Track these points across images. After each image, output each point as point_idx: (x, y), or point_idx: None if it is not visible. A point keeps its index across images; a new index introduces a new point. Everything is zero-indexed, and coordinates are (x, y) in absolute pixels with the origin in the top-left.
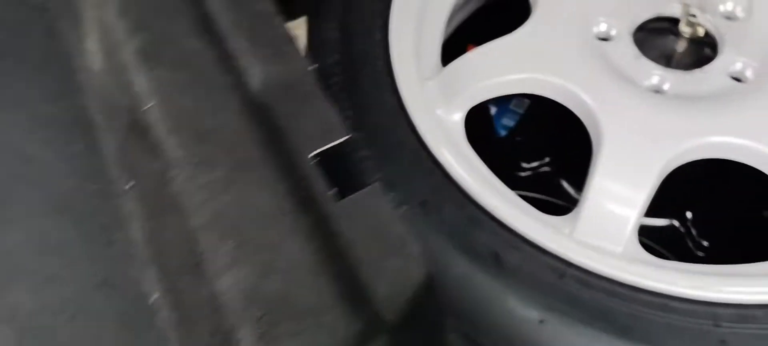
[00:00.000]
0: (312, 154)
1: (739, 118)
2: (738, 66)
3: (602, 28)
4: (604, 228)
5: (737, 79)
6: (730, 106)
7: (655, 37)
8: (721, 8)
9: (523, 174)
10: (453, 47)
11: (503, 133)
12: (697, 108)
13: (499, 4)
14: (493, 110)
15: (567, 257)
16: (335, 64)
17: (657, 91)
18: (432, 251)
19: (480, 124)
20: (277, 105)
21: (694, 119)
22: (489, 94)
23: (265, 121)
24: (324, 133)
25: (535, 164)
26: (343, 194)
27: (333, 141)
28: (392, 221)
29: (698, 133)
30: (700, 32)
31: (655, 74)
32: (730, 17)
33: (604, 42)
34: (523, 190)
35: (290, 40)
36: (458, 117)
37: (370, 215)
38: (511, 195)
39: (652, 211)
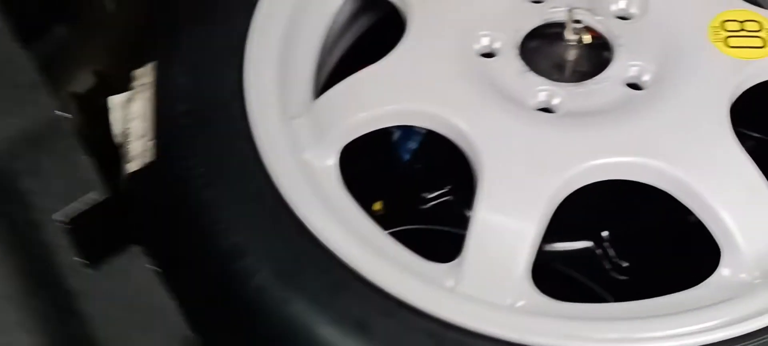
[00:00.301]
0: (57, 217)
1: (635, 132)
2: (633, 71)
3: (484, 42)
4: (492, 275)
5: (635, 87)
6: (625, 120)
7: (544, 48)
8: (614, 7)
9: (425, 206)
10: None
11: (407, 157)
12: (590, 125)
13: (395, 21)
14: (396, 134)
15: (446, 318)
16: (186, 113)
17: (546, 109)
18: (294, 324)
19: (384, 148)
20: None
21: (585, 139)
22: (361, 130)
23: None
24: (76, 192)
25: (436, 193)
26: (95, 261)
27: (86, 201)
28: (151, 290)
29: (590, 155)
30: (587, 38)
31: (543, 90)
32: (624, 17)
33: (487, 59)
34: (427, 223)
35: (37, 84)
36: (331, 161)
37: (125, 285)
38: (392, 247)
39: (565, 234)
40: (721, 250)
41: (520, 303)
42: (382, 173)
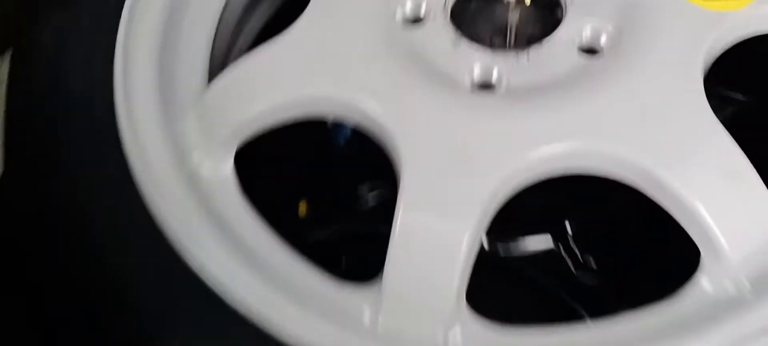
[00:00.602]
0: None
1: (590, 111)
2: (587, 33)
3: (408, 8)
4: (417, 299)
5: (591, 51)
6: (578, 95)
7: (480, 10)
8: None
9: (363, 205)
10: None
11: (342, 142)
12: (535, 104)
13: None
14: None
15: None
16: (38, 118)
17: (485, 86)
18: None
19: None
20: None
21: (530, 122)
22: (257, 126)
23: None
24: None
25: (377, 188)
26: None
27: None
28: None
29: (535, 143)
30: None
31: (478, 63)
32: None
33: (412, 27)
34: (366, 225)
35: None
36: (225, 168)
37: None
38: (300, 274)
39: (521, 232)
40: (701, 254)
41: (453, 334)
42: (311, 164)
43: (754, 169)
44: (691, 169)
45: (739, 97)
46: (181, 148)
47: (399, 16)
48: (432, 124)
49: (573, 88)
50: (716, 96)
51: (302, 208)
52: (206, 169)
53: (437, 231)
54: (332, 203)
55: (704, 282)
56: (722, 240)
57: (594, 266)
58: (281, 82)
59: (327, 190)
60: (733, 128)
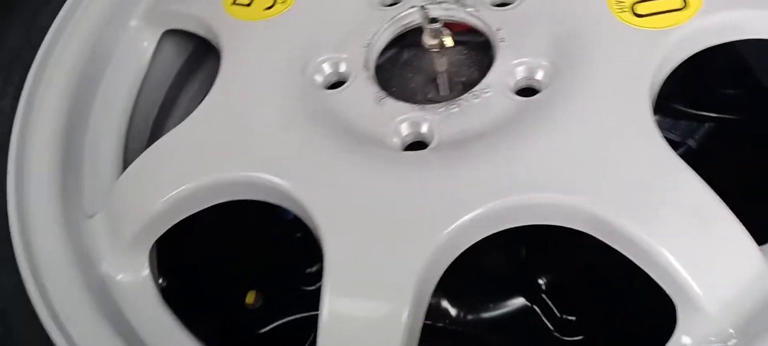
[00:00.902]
0: None
1: (532, 159)
2: (521, 74)
3: (326, 70)
4: None
5: (529, 91)
6: (518, 142)
7: (407, 62)
8: None
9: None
10: None
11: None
12: (470, 159)
13: None
14: None
15: None
16: None
17: (415, 143)
18: None
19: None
20: None
21: (466, 180)
22: (169, 220)
23: None
24: None
25: None
26: None
27: None
28: None
29: (473, 203)
30: (449, 41)
31: (405, 120)
32: (503, 3)
33: (333, 91)
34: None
35: None
36: (140, 272)
37: None
38: None
39: (489, 293)
40: (676, 308)
41: None
42: (259, 246)
43: (723, 203)
44: (651, 213)
45: (712, 114)
46: (87, 254)
47: (318, 79)
48: (355, 195)
49: (511, 136)
50: (688, 116)
51: (250, 297)
52: (118, 276)
53: (369, 315)
54: (282, 287)
55: (684, 340)
56: (696, 289)
57: (572, 319)
58: (186, 170)
59: (276, 273)
60: (712, 145)
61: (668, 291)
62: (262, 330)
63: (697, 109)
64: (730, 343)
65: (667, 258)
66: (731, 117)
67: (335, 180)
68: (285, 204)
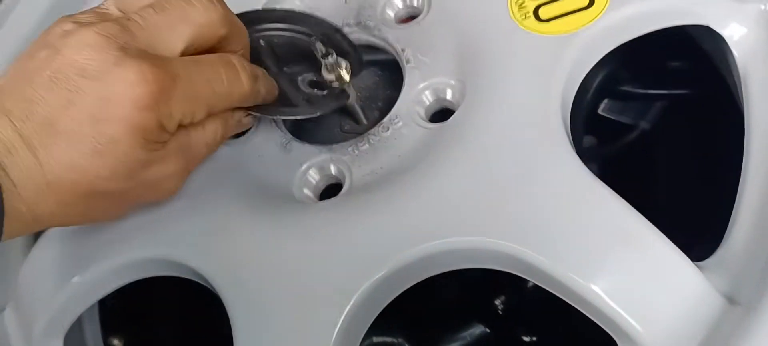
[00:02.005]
0: None
1: (443, 197)
2: (428, 96)
3: None
4: None
5: (442, 115)
6: (429, 178)
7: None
8: (390, 13)
9: None
10: None
11: None
12: (381, 203)
13: None
14: None
15: None
16: None
17: (328, 189)
18: None
19: None
20: None
21: (376, 230)
22: (77, 307)
23: None
24: None
25: None
26: None
27: None
28: None
29: (385, 257)
30: (345, 74)
31: (312, 167)
32: (410, 17)
33: (237, 140)
34: None
35: None
36: None
37: None
38: None
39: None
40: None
41: None
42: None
43: (650, 225)
44: (574, 247)
45: (662, 91)
46: None
47: None
48: (258, 260)
49: (420, 173)
50: (637, 96)
51: None
52: None
53: None
54: None
55: None
56: (634, 323)
57: (534, 340)
58: (82, 255)
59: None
60: (666, 124)
61: (604, 327)
62: None
63: (646, 89)
64: None
65: (599, 296)
66: (681, 92)
67: (238, 246)
68: (194, 278)
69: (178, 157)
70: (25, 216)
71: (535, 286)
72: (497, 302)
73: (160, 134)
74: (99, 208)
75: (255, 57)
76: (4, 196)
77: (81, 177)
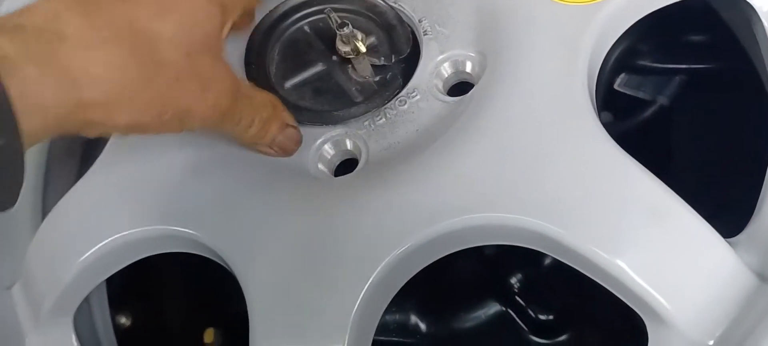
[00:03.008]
0: None
1: (465, 173)
2: (447, 69)
3: None
4: None
5: (461, 89)
6: (450, 153)
7: (322, 78)
8: None
9: None
10: None
11: None
12: (399, 179)
13: None
14: None
15: None
16: None
17: (343, 165)
18: None
19: None
20: None
21: (396, 206)
22: (88, 284)
23: None
24: None
25: None
26: None
27: None
28: None
29: (405, 233)
30: (362, 46)
31: (326, 141)
32: None
33: None
34: None
35: None
36: (65, 342)
37: None
38: None
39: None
40: (646, 326)
41: None
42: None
43: (680, 199)
44: (600, 222)
45: (681, 66)
46: (6, 330)
47: None
48: (273, 235)
49: (440, 147)
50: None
51: (208, 336)
52: None
53: None
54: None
55: None
56: (662, 301)
57: (550, 319)
58: (91, 232)
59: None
60: (685, 99)
61: (631, 305)
62: None
63: (664, 63)
64: None
65: (625, 272)
66: (701, 66)
67: (252, 222)
68: (206, 254)
69: (232, 84)
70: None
71: (552, 265)
72: (513, 280)
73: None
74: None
75: (305, 44)
76: None
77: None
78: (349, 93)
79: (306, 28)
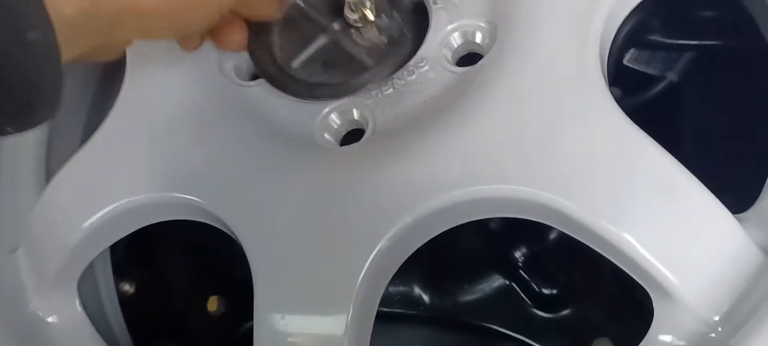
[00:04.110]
0: None
1: (473, 144)
2: (456, 39)
3: (245, 57)
4: None
5: (470, 60)
6: (458, 124)
7: (331, 46)
8: None
9: None
10: None
11: None
12: (407, 148)
13: None
14: None
15: None
16: None
17: (349, 135)
18: None
19: None
20: None
21: (403, 176)
22: (92, 249)
23: None
24: None
25: None
26: None
27: None
28: None
29: (413, 203)
30: (370, 14)
31: (332, 110)
32: None
33: (253, 83)
34: None
35: None
36: (70, 307)
37: None
38: None
39: (473, 276)
40: (653, 300)
41: None
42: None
43: (690, 174)
44: (609, 195)
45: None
46: (11, 294)
47: (237, 76)
48: (278, 203)
49: (449, 118)
50: (665, 46)
51: (212, 304)
52: (49, 317)
53: (307, 331)
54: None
55: (663, 338)
56: (669, 276)
57: (554, 293)
58: (97, 197)
59: (238, 279)
60: (695, 76)
61: (638, 279)
62: (226, 336)
63: (675, 39)
64: (714, 334)
65: (633, 246)
66: (713, 42)
67: (257, 190)
68: (210, 221)
69: None
70: None
71: (557, 239)
72: (517, 254)
73: None
74: None
75: (303, 19)
76: None
77: None
78: (359, 59)
79: (299, 2)
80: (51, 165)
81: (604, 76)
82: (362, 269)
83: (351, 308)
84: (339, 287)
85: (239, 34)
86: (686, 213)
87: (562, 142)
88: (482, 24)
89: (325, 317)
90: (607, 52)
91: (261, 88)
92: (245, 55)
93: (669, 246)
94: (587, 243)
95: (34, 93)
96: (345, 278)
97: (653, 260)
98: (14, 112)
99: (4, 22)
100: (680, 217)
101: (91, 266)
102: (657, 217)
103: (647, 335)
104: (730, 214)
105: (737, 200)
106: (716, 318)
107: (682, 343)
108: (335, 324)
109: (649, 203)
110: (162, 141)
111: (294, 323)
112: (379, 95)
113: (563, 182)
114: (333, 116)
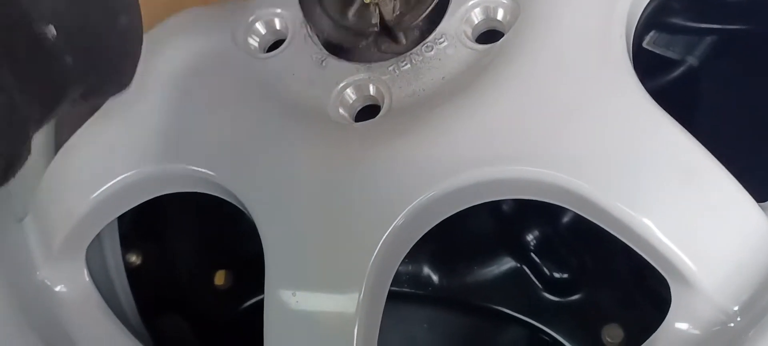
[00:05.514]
0: None
1: (492, 125)
2: (476, 16)
3: (259, 30)
4: None
5: (490, 37)
6: (476, 103)
7: (347, 14)
8: None
9: None
10: None
11: None
12: (423, 127)
13: None
14: None
15: None
16: None
17: (364, 110)
18: None
19: None
20: None
21: (418, 155)
22: (100, 220)
23: None
24: None
25: None
26: None
27: None
28: None
29: (428, 182)
30: None
31: (348, 85)
32: None
33: (268, 55)
34: None
35: None
36: (78, 277)
37: None
38: None
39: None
40: (670, 287)
41: None
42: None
43: (714, 159)
44: (630, 178)
45: (714, 25)
46: (18, 262)
47: (252, 42)
48: (291, 178)
49: (467, 96)
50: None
51: (219, 277)
52: (57, 286)
53: (318, 309)
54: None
55: (679, 325)
56: (688, 262)
57: (565, 277)
58: (106, 168)
59: (246, 254)
60: (716, 61)
61: (656, 266)
62: (233, 310)
63: (697, 22)
64: (732, 324)
65: (652, 231)
66: (735, 26)
67: (270, 164)
68: (220, 194)
69: None
70: None
71: (571, 223)
72: (529, 236)
73: None
74: None
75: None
76: None
77: None
78: (382, 35)
79: None
80: (59, 134)
81: (629, 55)
82: (376, 247)
83: (363, 287)
84: (351, 265)
85: None
86: (709, 199)
87: (584, 123)
88: (504, 0)
89: (336, 294)
90: (633, 32)
91: (276, 60)
92: (260, 26)
93: (689, 232)
94: (606, 228)
95: (115, 68)
96: (358, 256)
97: (672, 246)
98: (98, 85)
99: (100, 6)
100: (703, 203)
101: (98, 237)
102: (679, 202)
103: (664, 322)
104: (754, 201)
105: (759, 188)
106: (735, 308)
107: (699, 332)
108: (347, 302)
109: (671, 187)
110: (173, 112)
111: (305, 300)
112: (396, 71)
113: (582, 164)
114: (348, 91)
